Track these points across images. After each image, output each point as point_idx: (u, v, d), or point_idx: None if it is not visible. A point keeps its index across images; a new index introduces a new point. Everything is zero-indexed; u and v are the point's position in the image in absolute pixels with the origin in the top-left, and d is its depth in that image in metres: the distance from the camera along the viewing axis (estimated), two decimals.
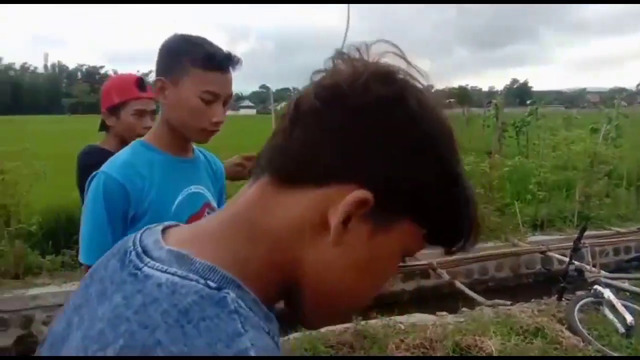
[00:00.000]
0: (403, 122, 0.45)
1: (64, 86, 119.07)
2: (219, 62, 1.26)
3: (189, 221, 1.21)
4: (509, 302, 4.58)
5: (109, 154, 1.65)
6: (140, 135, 1.76)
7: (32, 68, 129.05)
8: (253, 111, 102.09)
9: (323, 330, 3.84)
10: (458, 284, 5.53)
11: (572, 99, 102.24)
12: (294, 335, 3.85)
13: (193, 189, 1.34)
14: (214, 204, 1.42)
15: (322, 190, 0.45)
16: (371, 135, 0.45)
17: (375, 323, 3.96)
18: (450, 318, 4.18)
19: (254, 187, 0.49)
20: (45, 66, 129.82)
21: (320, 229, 0.45)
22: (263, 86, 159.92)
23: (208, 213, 1.34)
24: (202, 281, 0.42)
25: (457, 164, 0.48)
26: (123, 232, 1.16)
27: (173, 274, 0.42)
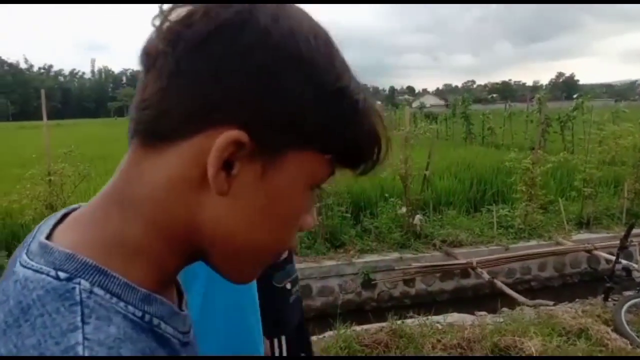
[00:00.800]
0: (255, 42, 0.39)
1: (110, 90, 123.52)
2: None
3: None
4: (551, 303, 4.44)
5: None
6: None
7: (80, 73, 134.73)
8: None
9: (358, 328, 3.83)
10: (498, 283, 5.39)
11: (621, 92, 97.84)
12: (328, 334, 3.85)
13: None
14: None
15: (191, 141, 0.40)
16: (223, 67, 0.39)
17: (412, 322, 3.91)
18: (489, 318, 4.09)
19: (126, 155, 0.44)
20: (92, 71, 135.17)
21: (204, 184, 0.41)
22: None
23: None
24: (53, 273, 0.38)
25: (337, 79, 0.42)
26: None
27: (29, 268, 0.39)
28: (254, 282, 1.09)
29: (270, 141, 0.41)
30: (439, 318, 4.02)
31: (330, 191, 6.12)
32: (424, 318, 3.98)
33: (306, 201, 0.46)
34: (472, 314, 4.38)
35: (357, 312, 5.41)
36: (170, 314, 0.43)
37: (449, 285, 6.16)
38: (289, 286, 1.88)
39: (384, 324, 3.83)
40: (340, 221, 6.29)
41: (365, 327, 3.87)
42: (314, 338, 3.83)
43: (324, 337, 3.86)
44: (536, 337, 3.50)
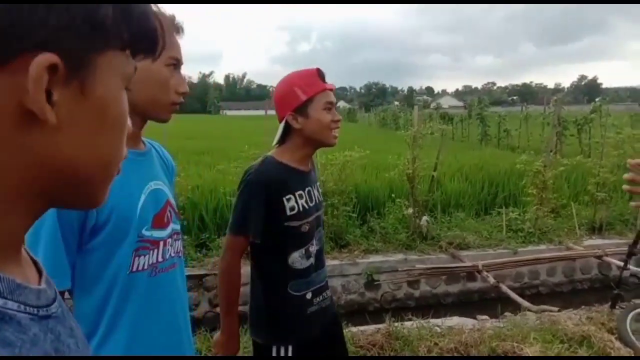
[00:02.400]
0: None
1: None
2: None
3: (153, 222, 1.14)
4: (555, 308, 4.33)
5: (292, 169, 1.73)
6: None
7: None
8: None
9: (354, 329, 3.78)
10: (503, 287, 5.28)
11: None
12: None
13: (153, 185, 1.18)
14: (173, 200, 1.26)
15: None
16: None
17: (410, 325, 3.84)
18: (490, 323, 4.00)
19: None
20: None
21: (28, 118, 0.37)
22: None
23: (169, 212, 1.22)
24: None
25: None
26: (79, 247, 1.04)
27: None
28: None
29: (76, 53, 0.39)
30: (438, 321, 3.95)
31: (336, 190, 6.08)
32: (423, 321, 3.91)
33: (125, 100, 0.45)
34: (475, 318, 4.29)
35: (360, 313, 5.35)
36: (12, 288, 0.39)
37: (455, 288, 6.07)
38: (309, 296, 1.80)
39: (380, 326, 3.77)
40: (345, 221, 6.24)
41: (362, 328, 3.81)
42: None
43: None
44: (536, 343, 3.41)
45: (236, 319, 1.80)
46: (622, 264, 4.50)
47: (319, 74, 1.76)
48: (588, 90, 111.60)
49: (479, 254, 6.04)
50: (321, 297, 1.84)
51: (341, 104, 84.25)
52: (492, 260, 5.88)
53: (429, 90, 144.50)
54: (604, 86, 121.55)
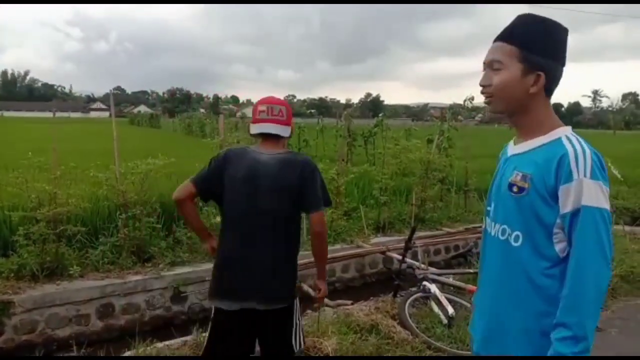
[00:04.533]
0: None
1: None
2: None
3: None
4: (349, 302, 4.80)
5: None
6: None
7: None
8: (106, 113, 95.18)
9: (160, 345, 3.63)
10: (305, 287, 5.62)
11: (417, 113, 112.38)
12: (127, 354, 3.58)
13: None
14: None
15: None
16: None
17: None
18: None
19: None
20: None
21: None
22: (118, 87, 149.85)
23: None
24: None
25: None
26: None
27: None
28: None
29: None
30: None
31: (138, 201, 5.75)
32: None
33: None
34: None
35: (166, 328, 5.14)
36: None
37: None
38: None
39: (187, 338, 3.70)
40: (149, 232, 5.93)
41: (167, 342, 3.68)
42: None
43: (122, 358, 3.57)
44: (334, 336, 3.74)
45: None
46: (400, 257, 5.20)
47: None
48: (373, 106, 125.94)
49: None
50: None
51: (142, 108, 79.69)
52: None
53: (235, 99, 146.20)
54: (385, 103, 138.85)
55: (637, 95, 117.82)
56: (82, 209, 5.79)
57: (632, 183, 11.75)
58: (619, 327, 4.36)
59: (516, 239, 1.40)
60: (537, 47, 1.40)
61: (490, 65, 1.45)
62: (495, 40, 1.47)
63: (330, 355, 3.46)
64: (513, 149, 1.52)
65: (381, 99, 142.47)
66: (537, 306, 1.36)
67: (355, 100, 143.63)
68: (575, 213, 1.29)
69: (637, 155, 17.32)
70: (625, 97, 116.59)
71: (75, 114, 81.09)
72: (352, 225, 7.58)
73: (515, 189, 1.40)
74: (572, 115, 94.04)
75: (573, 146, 1.33)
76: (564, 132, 1.40)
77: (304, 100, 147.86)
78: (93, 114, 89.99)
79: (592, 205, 1.28)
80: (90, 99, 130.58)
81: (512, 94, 1.42)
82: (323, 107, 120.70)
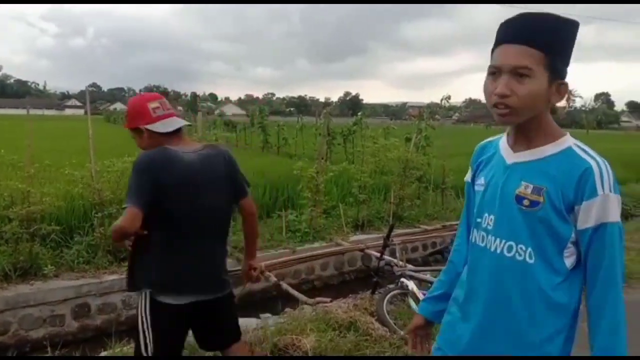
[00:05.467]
0: None
1: None
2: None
3: None
4: (328, 299, 4.82)
5: None
6: None
7: None
8: (81, 111, 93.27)
9: None
10: (284, 285, 5.65)
11: (396, 112, 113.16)
12: (103, 354, 3.53)
13: None
14: None
15: None
16: None
17: None
18: (272, 320, 4.24)
19: None
20: None
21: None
22: (93, 84, 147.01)
23: None
24: None
25: None
26: None
27: None
28: None
29: None
30: None
31: (115, 199, 5.67)
32: None
33: None
34: (258, 317, 4.49)
35: None
36: None
37: (236, 290, 6.22)
38: None
39: None
40: None
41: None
42: None
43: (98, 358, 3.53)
44: (312, 333, 3.75)
45: None
46: (379, 255, 5.25)
47: None
48: (352, 104, 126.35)
49: (262, 256, 6.33)
50: None
51: (119, 105, 78.37)
52: (273, 260, 6.23)
53: (212, 97, 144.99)
54: (364, 102, 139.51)
55: (609, 95, 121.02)
56: (57, 208, 5.70)
57: None
58: None
59: (530, 255, 1.30)
60: (562, 53, 1.28)
61: (512, 72, 1.24)
62: (511, 42, 1.26)
63: (309, 353, 3.47)
64: (513, 156, 1.36)
65: (360, 97, 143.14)
66: (551, 320, 1.31)
67: (334, 98, 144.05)
68: (597, 229, 1.24)
69: (610, 153, 17.77)
70: (597, 97, 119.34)
71: (49, 111, 79.26)
72: (331, 223, 7.61)
73: (526, 202, 1.29)
74: None
75: (594, 159, 1.26)
76: (571, 140, 1.31)
77: (283, 99, 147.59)
78: (68, 112, 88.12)
79: (616, 222, 1.24)
80: (65, 96, 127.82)
81: (538, 106, 1.27)
82: (302, 106, 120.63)
